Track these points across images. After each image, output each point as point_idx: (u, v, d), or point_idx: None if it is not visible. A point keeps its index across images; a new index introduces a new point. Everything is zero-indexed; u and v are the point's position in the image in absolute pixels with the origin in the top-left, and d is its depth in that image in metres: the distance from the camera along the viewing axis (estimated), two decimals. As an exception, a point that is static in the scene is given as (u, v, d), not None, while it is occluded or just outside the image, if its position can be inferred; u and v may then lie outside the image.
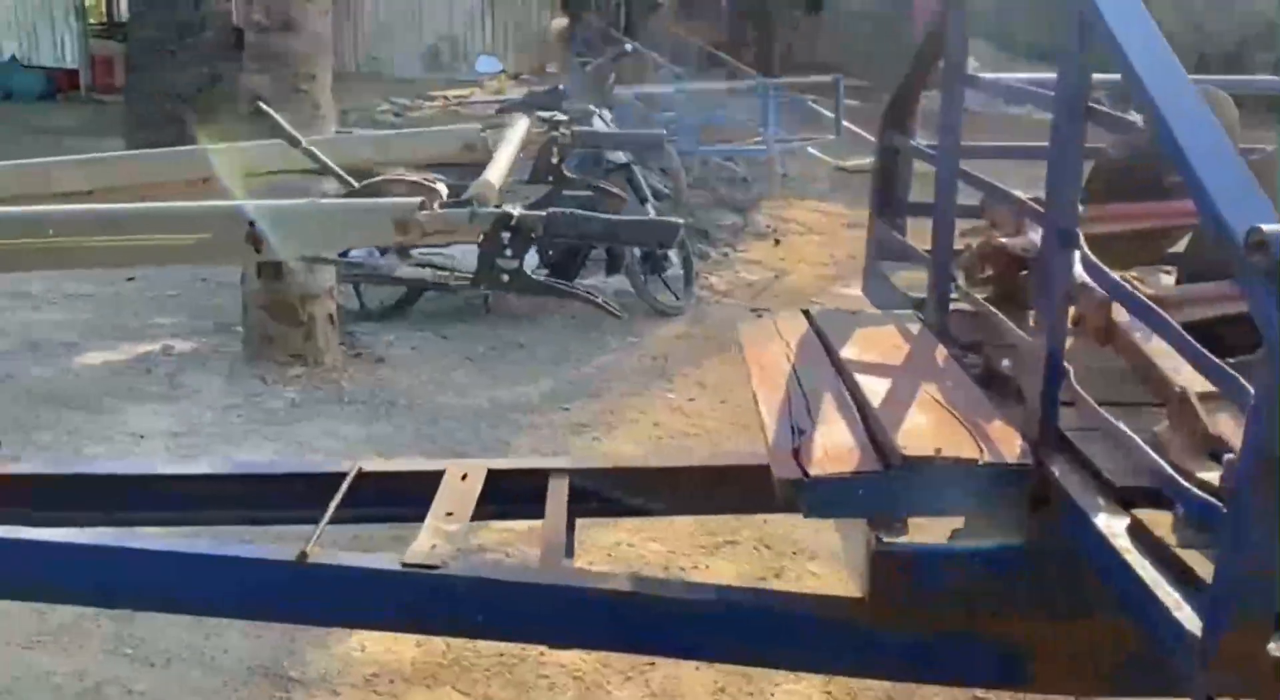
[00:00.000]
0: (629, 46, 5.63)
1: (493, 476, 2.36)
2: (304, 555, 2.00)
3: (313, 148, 1.99)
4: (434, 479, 2.40)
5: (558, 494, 2.34)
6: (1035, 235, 2.36)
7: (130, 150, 7.73)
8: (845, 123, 7.72)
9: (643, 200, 5.54)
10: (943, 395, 1.95)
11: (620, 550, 3.20)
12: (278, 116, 1.99)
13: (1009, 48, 14.77)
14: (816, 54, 16.03)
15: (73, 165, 2.35)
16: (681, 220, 1.70)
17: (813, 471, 1.73)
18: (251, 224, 1.72)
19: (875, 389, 1.99)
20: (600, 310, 1.88)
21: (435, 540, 2.07)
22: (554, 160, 2.38)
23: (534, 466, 2.44)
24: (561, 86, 5.48)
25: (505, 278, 1.71)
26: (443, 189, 1.76)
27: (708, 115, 7.40)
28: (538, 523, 2.22)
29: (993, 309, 2.22)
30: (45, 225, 1.77)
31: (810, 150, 7.77)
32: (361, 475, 2.34)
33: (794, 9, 15.66)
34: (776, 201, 7.95)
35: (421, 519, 2.53)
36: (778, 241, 7.36)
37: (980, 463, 1.71)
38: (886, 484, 1.73)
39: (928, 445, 1.74)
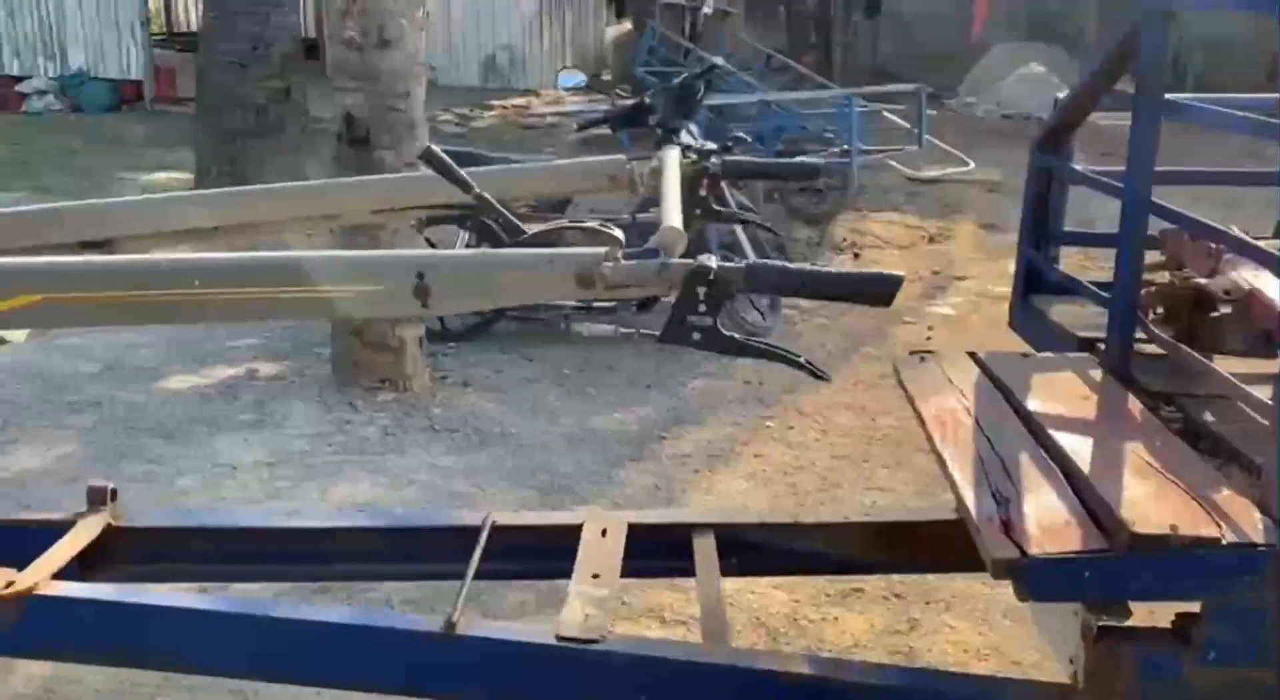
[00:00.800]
0: (718, 60, 5.45)
1: (633, 532, 2.21)
2: (451, 626, 1.85)
3: (485, 193, 1.83)
4: (571, 534, 2.25)
5: (706, 553, 2.18)
6: (1237, 274, 2.17)
7: (201, 162, 7.71)
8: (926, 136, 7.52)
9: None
10: (1154, 458, 1.77)
11: (742, 598, 3.03)
12: (447, 159, 1.84)
13: (1078, 50, 14.48)
14: (876, 58, 15.82)
15: (197, 200, 2.23)
16: (903, 274, 1.52)
17: (1032, 550, 1.56)
18: (420, 275, 1.57)
19: (1075, 448, 1.82)
20: (804, 371, 1.71)
21: (587, 609, 1.92)
22: (703, 193, 2.23)
23: (676, 521, 2.29)
24: (647, 100, 5.34)
25: (697, 336, 1.54)
26: (620, 235, 1.60)
27: (787, 127, 7.21)
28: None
29: (1202, 359, 2.03)
30: (191, 276, 1.63)
31: (891, 162, 7.55)
32: (496, 528, 2.21)
33: (852, 13, 15.44)
34: (851, 214, 7.75)
35: (558, 575, 2.39)
36: (857, 255, 7.17)
37: (1224, 543, 1.53)
38: (1115, 566, 1.55)
39: (1159, 521, 1.56)
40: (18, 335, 4.66)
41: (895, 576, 3.11)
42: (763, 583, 3.08)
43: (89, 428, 4.05)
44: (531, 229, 1.94)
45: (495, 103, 12.86)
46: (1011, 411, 2.02)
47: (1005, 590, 3.11)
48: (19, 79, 11.57)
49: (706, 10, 9.49)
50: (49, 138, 10.05)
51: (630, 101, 5.58)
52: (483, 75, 14.04)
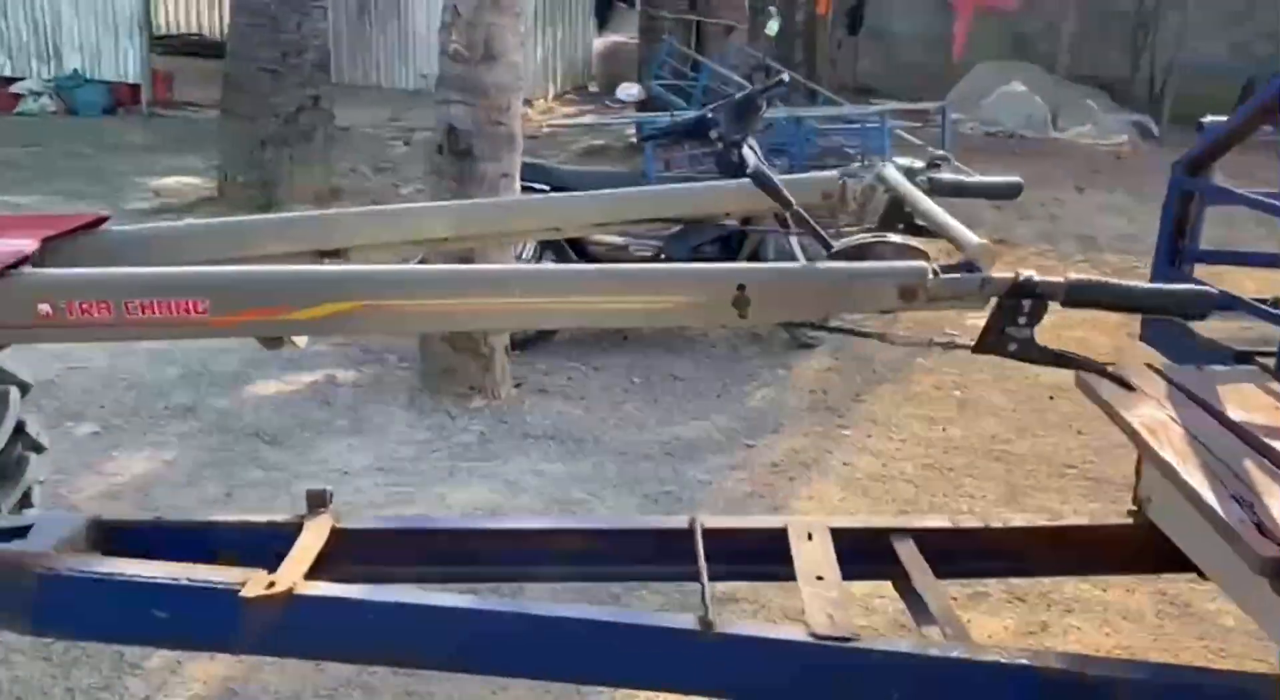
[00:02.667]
0: (785, 76, 5.57)
1: (835, 536, 2.32)
2: (709, 624, 1.95)
3: (801, 211, 1.94)
4: (776, 537, 2.36)
5: (911, 557, 2.30)
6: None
7: (227, 168, 7.69)
8: (936, 150, 7.71)
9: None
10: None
11: (873, 601, 3.15)
12: (774, 178, 1.94)
13: (1055, 70, 14.85)
14: (858, 74, 16.10)
15: (435, 212, 2.30)
16: (1215, 289, 1.65)
17: (1296, 548, 1.70)
18: (741, 287, 1.67)
19: (1290, 454, 1.96)
20: (1112, 380, 1.83)
21: (828, 609, 2.02)
22: (907, 208, 2.33)
23: (876, 526, 2.40)
24: (710, 115, 5.47)
25: (1013, 347, 1.66)
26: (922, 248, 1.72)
27: (816, 142, 7.37)
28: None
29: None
30: (511, 285, 1.72)
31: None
32: (705, 531, 2.31)
33: (837, 29, 15.68)
34: (867, 227, 7.92)
35: (768, 578, 2.49)
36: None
37: None
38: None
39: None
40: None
41: (1014, 580, 3.26)
42: (886, 587, 3.20)
43: (188, 433, 4.08)
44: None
45: (492, 112, 12.88)
46: (1214, 420, 2.17)
47: (1121, 594, 3.24)
48: (12, 80, 11.41)
49: (770, 29, 9.58)
50: (52, 141, 9.95)
51: (693, 114, 5.67)
52: (476, 84, 14.04)
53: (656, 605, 3.03)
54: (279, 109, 7.48)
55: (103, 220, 2.16)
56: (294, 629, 1.98)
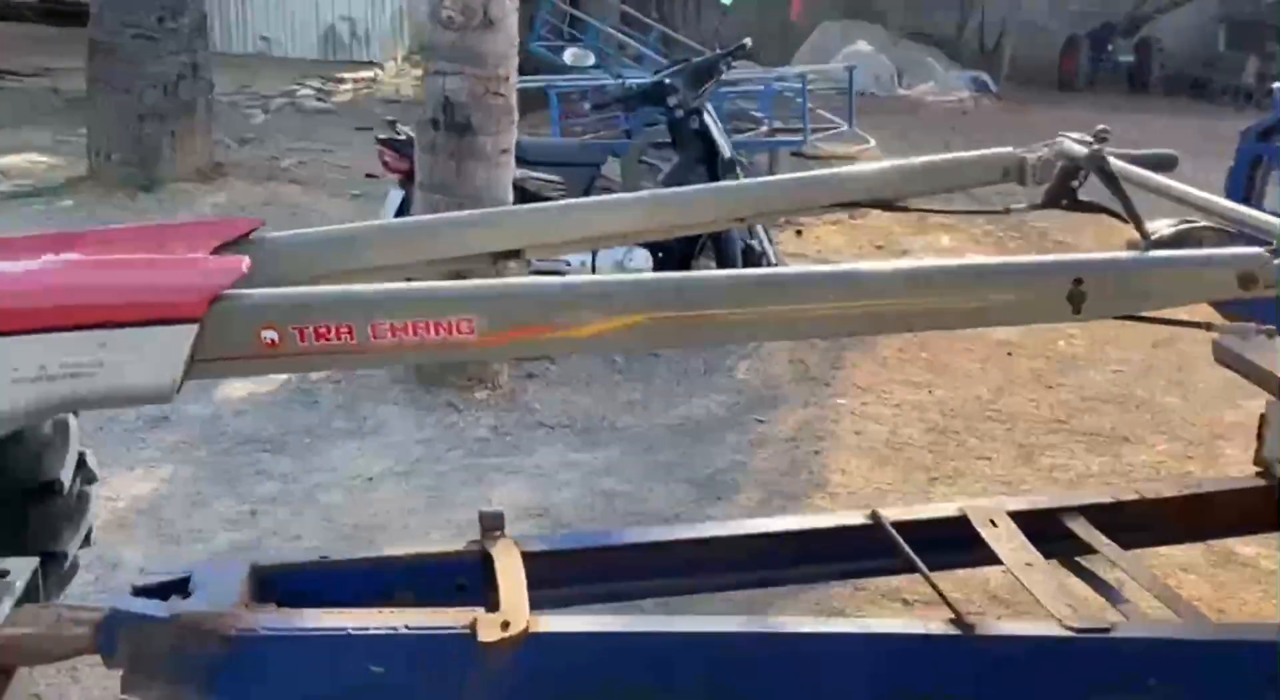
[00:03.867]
0: (746, 42, 5.47)
1: (1013, 518, 2.31)
2: (970, 626, 1.90)
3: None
4: (957, 525, 2.33)
5: (1091, 534, 2.31)
6: None
7: (97, 144, 7.01)
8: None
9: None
10: None
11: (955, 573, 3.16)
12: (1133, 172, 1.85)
13: (893, 29, 15.30)
14: (702, 35, 16.15)
15: (612, 206, 2.12)
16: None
17: None
18: (1078, 281, 1.59)
19: None
20: None
21: (1063, 598, 2.01)
22: (1074, 184, 2.29)
23: (1047, 506, 2.40)
24: (668, 81, 5.31)
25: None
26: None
27: (730, 107, 7.32)
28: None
29: None
30: (818, 290, 1.59)
31: (818, 142, 7.82)
32: (887, 524, 2.26)
33: (683, -10, 15.66)
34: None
35: (957, 566, 2.46)
36: (799, 232, 7.39)
37: None
38: None
39: None
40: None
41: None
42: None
43: (173, 445, 3.71)
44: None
45: (345, 76, 12.29)
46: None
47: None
48: None
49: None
50: None
51: (649, 81, 5.52)
52: (322, 47, 13.37)
53: (812, 603, 2.91)
54: (157, 79, 6.87)
55: (254, 227, 1.90)
56: (534, 671, 1.82)
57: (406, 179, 4.91)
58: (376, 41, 13.31)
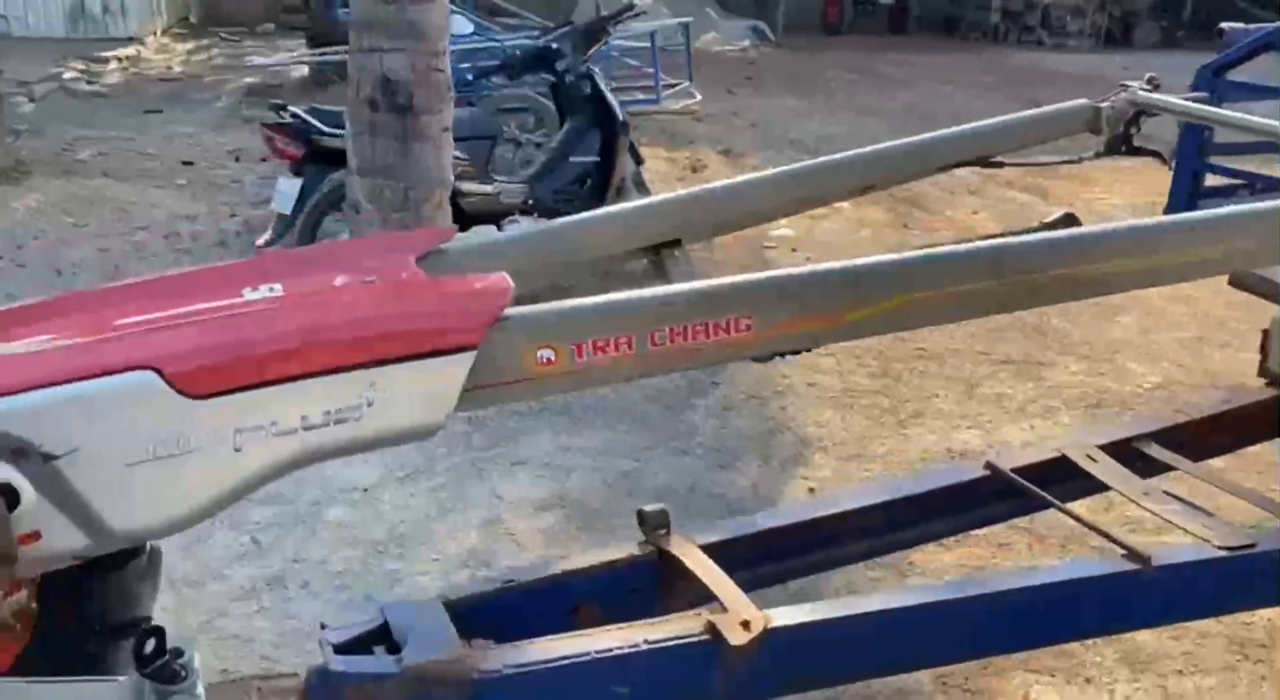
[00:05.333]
0: (639, 4, 5.37)
1: (1113, 449, 2.45)
2: (1146, 559, 2.01)
3: None
4: (1060, 465, 2.44)
5: (1164, 454, 2.47)
6: None
7: None
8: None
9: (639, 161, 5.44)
10: None
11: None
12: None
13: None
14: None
15: (759, 183, 2.05)
16: None
17: None
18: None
19: None
20: None
21: (1198, 520, 2.15)
22: (1133, 130, 2.38)
23: (1125, 436, 2.53)
24: (555, 44, 5.16)
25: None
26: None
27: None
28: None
29: None
30: (1094, 251, 1.60)
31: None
32: (999, 473, 2.35)
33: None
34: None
35: (1069, 500, 2.57)
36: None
37: None
38: None
39: None
40: None
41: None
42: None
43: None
44: None
45: (105, 55, 11.26)
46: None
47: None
48: None
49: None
50: None
51: (538, 45, 5.35)
52: (69, 24, 12.17)
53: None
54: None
55: (444, 238, 1.73)
56: (774, 666, 1.79)
57: (301, 165, 4.60)
58: (133, 16, 12.26)
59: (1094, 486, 2.34)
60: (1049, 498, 2.21)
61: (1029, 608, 1.96)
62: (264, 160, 7.59)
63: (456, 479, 3.42)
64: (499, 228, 4.82)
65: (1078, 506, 2.26)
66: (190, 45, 12.69)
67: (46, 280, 5.21)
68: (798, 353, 1.65)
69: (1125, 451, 2.46)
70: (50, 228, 5.89)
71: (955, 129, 2.33)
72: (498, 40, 6.65)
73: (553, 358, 1.46)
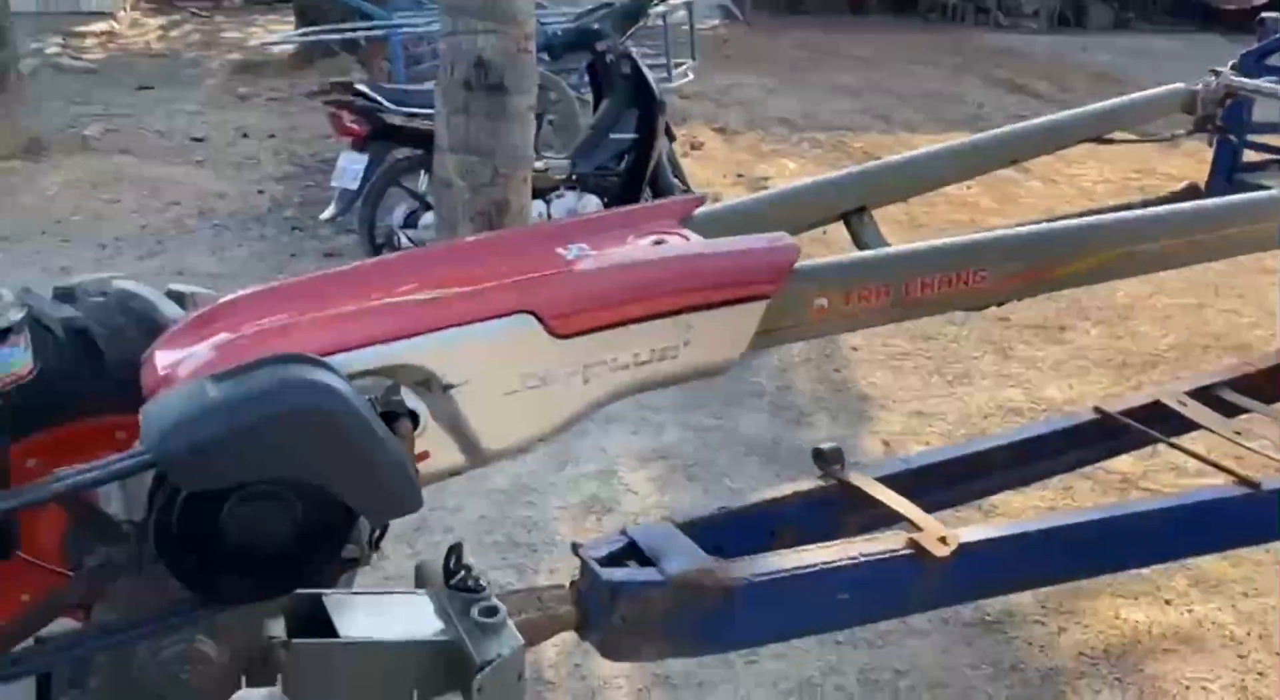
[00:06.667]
0: None
1: (1196, 395, 2.76)
2: (1255, 484, 2.31)
3: None
4: (1160, 407, 2.73)
5: (1242, 399, 2.78)
6: None
7: None
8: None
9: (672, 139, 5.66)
10: None
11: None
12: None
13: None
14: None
15: (948, 153, 2.28)
16: None
17: None
18: None
19: None
20: None
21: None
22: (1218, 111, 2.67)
23: (1205, 383, 2.84)
24: (596, 25, 5.34)
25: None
26: None
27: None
28: None
29: None
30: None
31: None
32: (1109, 416, 2.64)
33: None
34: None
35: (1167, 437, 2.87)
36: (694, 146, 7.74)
37: None
38: None
39: None
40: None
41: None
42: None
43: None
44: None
45: (82, 30, 11.15)
46: None
47: None
48: None
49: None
50: None
51: (573, 26, 5.53)
52: (39, -1, 11.97)
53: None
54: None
55: (698, 204, 1.95)
56: (966, 577, 2.06)
57: (365, 142, 4.76)
58: None
59: (1188, 426, 2.64)
60: (1158, 435, 2.50)
61: (1164, 527, 2.25)
62: (271, 137, 7.70)
63: (560, 435, 3.63)
64: (546, 202, 5.05)
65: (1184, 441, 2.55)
66: (162, 20, 12.58)
67: (93, 254, 5.31)
68: (1002, 303, 1.92)
69: (1206, 397, 2.77)
70: (84, 204, 5.96)
71: (1076, 110, 2.60)
72: (543, 23, 6.81)
73: (826, 305, 1.71)
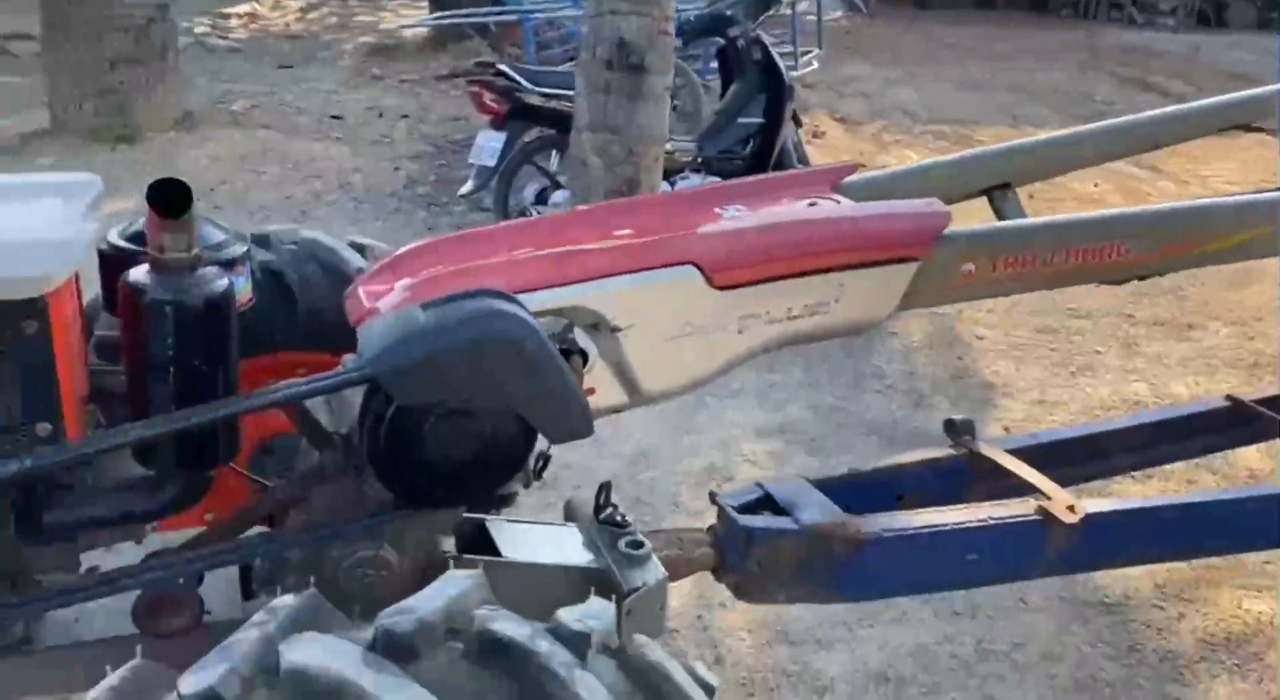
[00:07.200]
0: None
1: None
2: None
3: None
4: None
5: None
6: None
7: (61, 98, 6.55)
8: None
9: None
10: None
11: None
12: None
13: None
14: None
15: (1096, 134, 2.32)
16: None
17: None
18: None
19: None
20: None
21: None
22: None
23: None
24: (728, 11, 5.45)
25: None
26: None
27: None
28: None
29: None
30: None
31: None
32: (1241, 404, 2.63)
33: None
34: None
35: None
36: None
37: None
38: None
39: None
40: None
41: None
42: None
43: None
44: None
45: (228, 11, 11.66)
46: None
47: None
48: None
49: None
50: None
51: (705, 11, 5.64)
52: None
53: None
54: (125, 23, 6.46)
55: (850, 172, 2.03)
56: (1090, 545, 2.10)
57: (503, 120, 4.93)
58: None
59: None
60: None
61: (1238, 516, 2.26)
62: (404, 117, 7.98)
63: (682, 405, 3.75)
64: (671, 184, 5.16)
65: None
66: (301, 2, 13.05)
67: (243, 222, 5.59)
68: (1145, 278, 1.96)
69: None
70: (232, 175, 6.28)
71: (1221, 97, 2.61)
72: (676, 8, 6.96)
73: (973, 270, 1.78)
